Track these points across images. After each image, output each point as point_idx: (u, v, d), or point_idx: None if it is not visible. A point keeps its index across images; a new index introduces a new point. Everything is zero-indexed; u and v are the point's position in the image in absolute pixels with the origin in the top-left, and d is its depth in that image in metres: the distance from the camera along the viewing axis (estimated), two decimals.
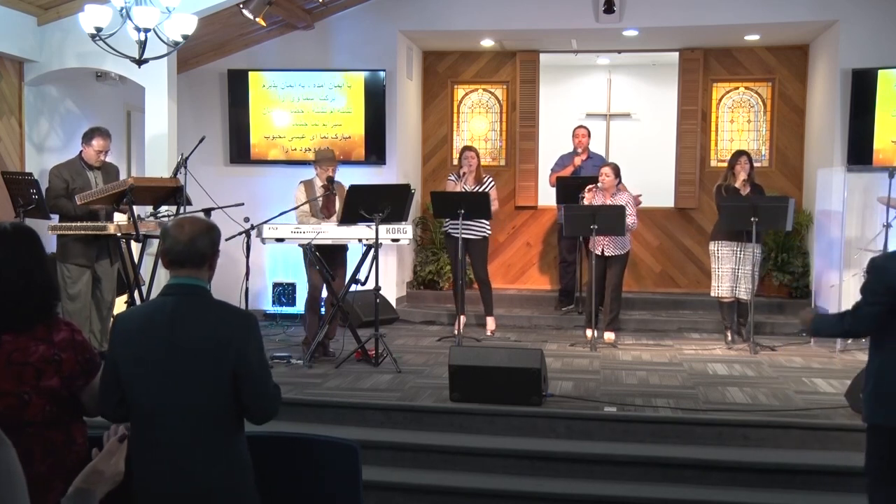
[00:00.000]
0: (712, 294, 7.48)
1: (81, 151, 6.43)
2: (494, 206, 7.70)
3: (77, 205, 6.11)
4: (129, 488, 2.76)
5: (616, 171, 7.61)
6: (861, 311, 3.42)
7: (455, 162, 9.87)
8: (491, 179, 7.95)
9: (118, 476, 2.26)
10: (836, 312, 4.07)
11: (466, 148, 7.98)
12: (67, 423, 2.70)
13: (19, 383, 2.60)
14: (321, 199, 6.77)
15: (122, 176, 7.03)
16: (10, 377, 2.59)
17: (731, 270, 7.31)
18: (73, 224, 6.23)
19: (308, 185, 6.89)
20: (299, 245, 6.67)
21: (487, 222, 7.80)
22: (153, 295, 6.38)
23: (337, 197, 6.84)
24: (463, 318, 7.73)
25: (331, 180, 6.81)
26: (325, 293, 6.96)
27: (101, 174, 6.48)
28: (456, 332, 7.56)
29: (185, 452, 2.69)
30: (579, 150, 8.82)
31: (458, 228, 7.37)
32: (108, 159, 6.62)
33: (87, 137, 6.41)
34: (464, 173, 7.73)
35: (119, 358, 2.77)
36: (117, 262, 6.54)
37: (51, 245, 6.19)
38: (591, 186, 7.69)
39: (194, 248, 2.77)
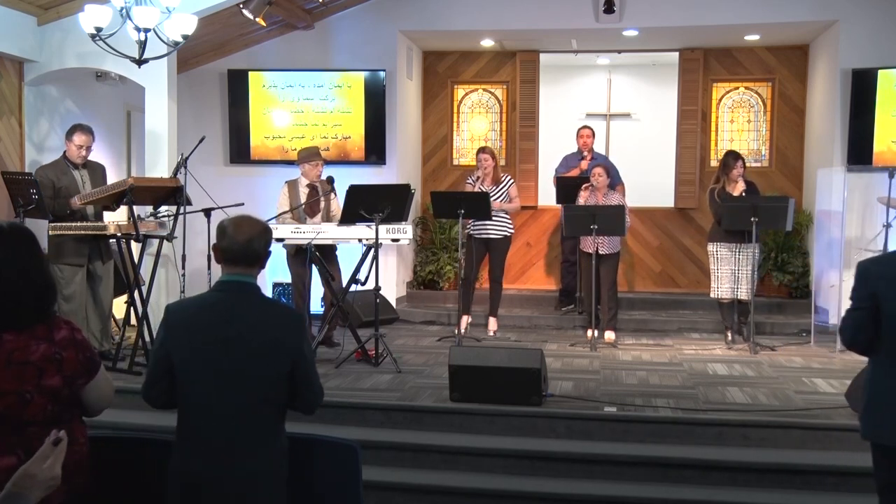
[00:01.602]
0: (712, 295, 7.48)
1: (65, 150, 6.41)
2: (515, 203, 7.82)
3: (79, 205, 6.11)
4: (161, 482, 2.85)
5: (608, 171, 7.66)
6: (846, 317, 3.35)
7: (455, 162, 9.92)
8: (510, 178, 7.92)
9: (53, 481, 2.18)
10: None
11: (481, 150, 7.90)
12: (68, 422, 2.69)
13: (21, 382, 2.60)
14: (305, 202, 6.72)
15: (113, 176, 7.00)
16: (11, 376, 2.59)
17: (730, 272, 7.31)
18: (73, 224, 6.22)
19: (292, 185, 6.87)
20: (283, 246, 6.65)
21: (510, 221, 7.82)
22: (153, 295, 6.38)
23: (333, 197, 6.82)
24: (468, 319, 7.74)
25: (331, 180, 6.80)
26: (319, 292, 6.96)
27: (87, 173, 6.45)
28: (456, 331, 7.56)
29: (231, 444, 2.79)
30: (585, 153, 8.79)
31: (485, 228, 7.49)
32: (106, 159, 6.60)
33: (69, 134, 6.39)
34: (478, 178, 7.72)
35: (175, 348, 2.85)
36: (110, 261, 6.52)
37: (45, 246, 6.16)
38: (586, 185, 7.71)
39: (251, 248, 2.89)
